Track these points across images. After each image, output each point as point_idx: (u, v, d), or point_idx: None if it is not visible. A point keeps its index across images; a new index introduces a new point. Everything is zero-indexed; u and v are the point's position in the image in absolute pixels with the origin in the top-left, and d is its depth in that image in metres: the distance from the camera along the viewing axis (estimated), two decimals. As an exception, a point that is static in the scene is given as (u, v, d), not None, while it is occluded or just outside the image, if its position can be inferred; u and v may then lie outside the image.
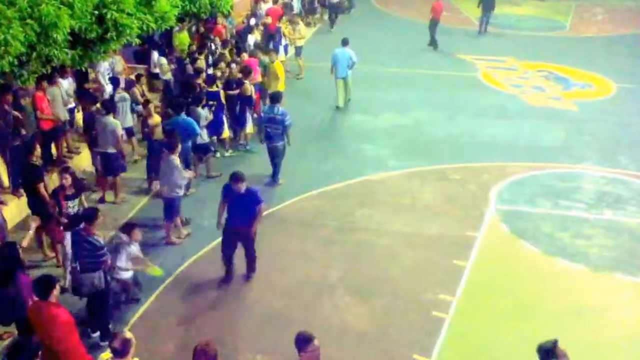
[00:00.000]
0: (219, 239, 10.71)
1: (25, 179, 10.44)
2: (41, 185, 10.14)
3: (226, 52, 17.19)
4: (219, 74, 15.52)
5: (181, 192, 11.41)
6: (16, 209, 11.52)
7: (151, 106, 13.23)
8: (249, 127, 15.20)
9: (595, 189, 13.96)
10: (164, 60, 16.32)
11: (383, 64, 22.82)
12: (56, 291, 7.27)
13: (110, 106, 12.52)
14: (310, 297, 10.04)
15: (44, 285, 7.19)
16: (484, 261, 11.14)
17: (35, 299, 7.35)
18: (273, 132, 13.31)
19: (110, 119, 12.15)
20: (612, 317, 9.90)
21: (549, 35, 28.96)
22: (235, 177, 9.80)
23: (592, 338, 9.19)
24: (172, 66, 16.32)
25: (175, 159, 11.03)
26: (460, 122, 17.65)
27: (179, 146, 11.17)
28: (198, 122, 13.04)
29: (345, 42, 18.41)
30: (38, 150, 10.61)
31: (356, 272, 10.73)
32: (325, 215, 12.53)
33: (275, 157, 13.57)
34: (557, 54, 24.86)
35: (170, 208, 11.34)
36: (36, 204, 10.20)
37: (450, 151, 15.63)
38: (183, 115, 12.68)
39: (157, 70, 16.57)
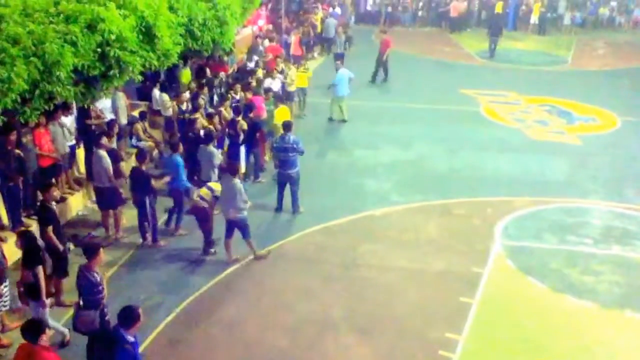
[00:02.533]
0: (224, 273, 10.84)
1: (38, 219, 10.41)
2: (49, 229, 10.06)
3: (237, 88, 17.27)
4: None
5: (246, 213, 11.61)
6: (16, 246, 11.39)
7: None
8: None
9: (602, 223, 13.83)
10: (166, 97, 16.32)
11: (384, 98, 22.89)
12: (46, 336, 7.11)
13: (99, 140, 12.44)
14: (313, 336, 9.85)
15: (33, 328, 7.08)
16: (491, 298, 10.96)
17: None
18: (287, 160, 13.40)
19: (101, 152, 12.10)
20: (622, 355, 9.73)
21: (551, 70, 29.13)
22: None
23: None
24: (174, 102, 16.34)
25: (237, 182, 11.48)
26: (463, 156, 17.59)
27: (240, 169, 11.78)
28: (210, 161, 13.09)
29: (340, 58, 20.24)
30: (57, 192, 10.64)
31: (360, 309, 10.55)
32: (327, 251, 12.39)
33: (291, 185, 13.64)
34: (560, 88, 24.99)
35: (243, 228, 11.69)
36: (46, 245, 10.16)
37: (453, 186, 15.53)
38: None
39: (158, 107, 16.57)
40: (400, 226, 13.49)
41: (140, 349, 9.26)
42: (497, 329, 10.23)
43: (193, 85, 16.86)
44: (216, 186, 11.89)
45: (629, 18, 40.56)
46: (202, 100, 16.00)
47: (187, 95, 15.98)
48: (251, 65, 21.30)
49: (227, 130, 14.84)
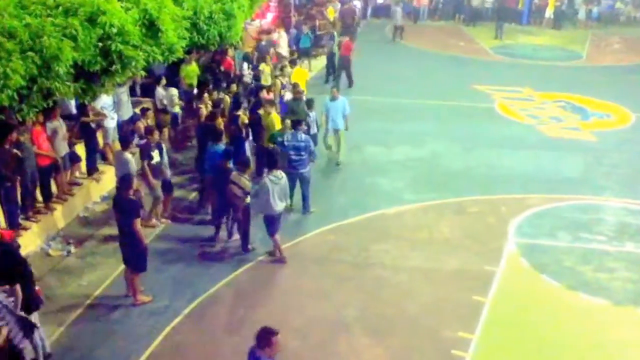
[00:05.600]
0: (233, 275, 10.94)
1: (122, 213, 10.19)
2: (137, 221, 9.98)
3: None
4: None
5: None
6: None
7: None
8: None
9: (616, 220, 13.59)
10: (174, 91, 16.04)
11: (397, 95, 22.60)
12: None
13: (126, 142, 12.40)
14: (326, 337, 9.65)
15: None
16: (504, 297, 10.78)
17: None
18: (298, 159, 13.15)
19: (126, 155, 12.00)
20: (637, 353, 9.58)
21: (566, 65, 28.82)
22: None
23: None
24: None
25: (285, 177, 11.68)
26: (477, 153, 17.34)
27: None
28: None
29: (333, 98, 16.36)
30: (136, 183, 10.62)
31: (373, 309, 10.37)
32: (340, 250, 12.19)
33: (302, 184, 13.40)
34: (574, 83, 24.69)
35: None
36: (130, 243, 10.13)
37: (467, 183, 15.27)
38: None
39: (160, 106, 16.25)
40: (414, 225, 13.29)
41: (147, 353, 9.19)
42: (510, 327, 10.06)
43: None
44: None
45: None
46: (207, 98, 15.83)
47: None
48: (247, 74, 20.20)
49: (230, 126, 14.58)
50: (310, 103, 15.88)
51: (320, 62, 26.34)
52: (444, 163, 16.71)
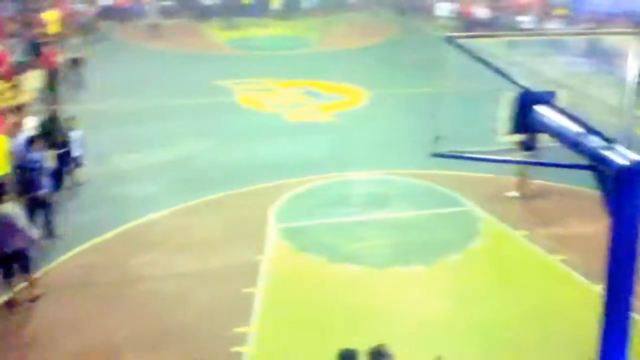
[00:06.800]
0: None
1: None
2: None
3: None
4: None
5: None
6: None
7: None
8: None
9: (364, 192, 14.54)
10: None
11: (137, 98, 21.94)
12: None
13: None
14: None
15: None
16: (273, 283, 10.99)
17: None
18: (33, 180, 12.09)
19: None
20: (401, 305, 10.37)
21: (299, 53, 29.97)
22: None
23: (389, 333, 9.03)
24: None
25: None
26: (228, 148, 17.44)
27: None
28: None
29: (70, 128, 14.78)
30: None
31: (145, 326, 9.89)
32: (99, 271, 11.50)
33: (41, 209, 12.20)
34: (309, 70, 25.85)
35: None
36: None
37: (223, 179, 15.27)
38: None
39: None
40: (174, 229, 12.97)
41: None
42: (284, 310, 10.32)
43: None
44: None
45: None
46: None
47: None
48: None
49: None
50: (70, 121, 14.83)
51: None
52: (196, 162, 16.55)
